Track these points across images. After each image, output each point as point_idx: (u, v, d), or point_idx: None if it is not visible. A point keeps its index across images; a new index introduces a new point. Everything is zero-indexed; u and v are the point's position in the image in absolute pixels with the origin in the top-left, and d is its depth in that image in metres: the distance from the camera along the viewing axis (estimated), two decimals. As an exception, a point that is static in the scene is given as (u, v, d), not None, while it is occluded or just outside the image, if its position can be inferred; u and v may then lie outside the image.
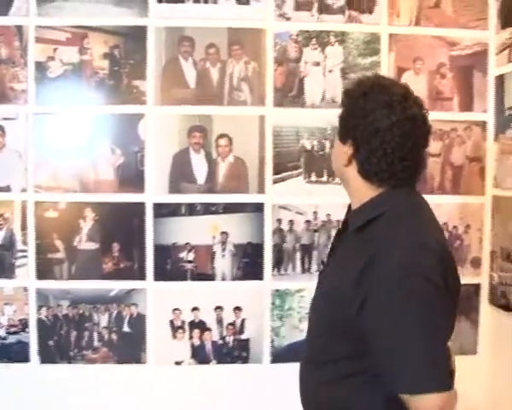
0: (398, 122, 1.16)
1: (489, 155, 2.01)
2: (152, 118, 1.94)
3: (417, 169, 1.20)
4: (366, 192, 1.22)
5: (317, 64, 2.00)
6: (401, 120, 1.16)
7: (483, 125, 2.02)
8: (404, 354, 1.10)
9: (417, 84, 1.96)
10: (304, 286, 2.02)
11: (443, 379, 1.11)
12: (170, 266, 1.98)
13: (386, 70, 1.99)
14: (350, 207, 1.32)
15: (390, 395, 1.14)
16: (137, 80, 1.94)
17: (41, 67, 1.94)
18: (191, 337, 2.00)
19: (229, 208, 1.99)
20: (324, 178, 2.03)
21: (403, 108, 1.16)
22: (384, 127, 1.15)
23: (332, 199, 2.01)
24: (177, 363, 2.00)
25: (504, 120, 1.96)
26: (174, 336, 1.99)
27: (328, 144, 2.01)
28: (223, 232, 1.99)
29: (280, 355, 2.03)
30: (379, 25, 2.00)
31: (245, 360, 2.02)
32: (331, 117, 1.95)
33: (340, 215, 1.97)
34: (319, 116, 2.01)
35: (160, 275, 1.97)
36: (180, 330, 1.99)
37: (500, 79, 1.98)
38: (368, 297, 1.11)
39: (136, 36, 1.94)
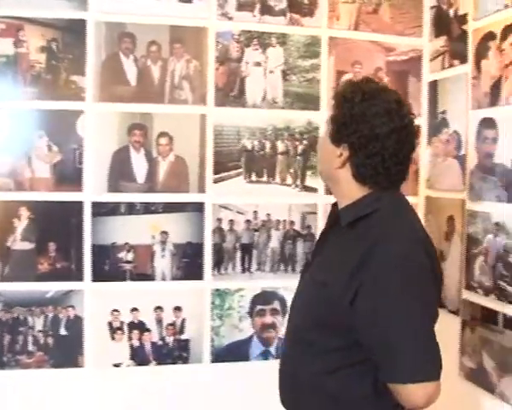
0: (396, 129, 1.50)
1: (422, 157, 2.66)
2: (91, 115, 2.43)
3: (407, 172, 1.59)
4: (357, 192, 1.56)
5: (259, 64, 2.58)
6: (399, 127, 1.50)
7: (417, 128, 2.64)
8: (401, 343, 1.41)
9: (356, 87, 2.56)
10: (244, 285, 2.60)
11: (437, 368, 1.44)
12: (108, 267, 2.46)
13: (326, 73, 2.62)
14: (334, 205, 1.69)
15: (380, 384, 1.49)
16: (76, 76, 2.42)
17: (-27, 60, 2.37)
18: (130, 339, 2.50)
19: (170, 208, 2.51)
20: (264, 179, 2.61)
21: (400, 116, 1.51)
22: (383, 134, 1.49)
23: (272, 199, 2.62)
24: (116, 365, 2.49)
25: (437, 123, 2.63)
26: (113, 338, 2.48)
27: (268, 145, 2.61)
28: (163, 232, 2.51)
29: (220, 355, 2.59)
30: (319, 28, 2.61)
31: (185, 361, 2.55)
32: (272, 117, 2.57)
33: (279, 215, 2.57)
34: (260, 116, 2.59)
35: (99, 276, 2.45)
36: (119, 332, 2.48)
37: (433, 85, 2.66)
38: (361, 288, 1.43)
39: (74, 30, 2.42)
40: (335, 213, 1.68)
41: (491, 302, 2.24)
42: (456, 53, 2.51)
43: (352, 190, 1.58)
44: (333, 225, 1.69)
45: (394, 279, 1.42)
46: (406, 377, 1.42)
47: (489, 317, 2.25)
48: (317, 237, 1.88)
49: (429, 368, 1.44)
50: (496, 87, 2.25)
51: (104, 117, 2.44)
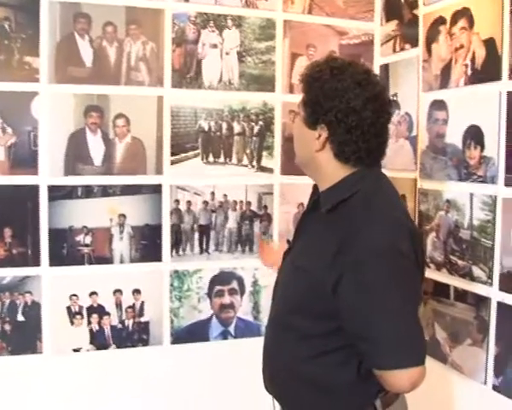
0: (371, 99, 1.50)
1: (375, 138, 2.72)
2: (46, 96, 2.41)
3: (386, 145, 1.61)
4: (338, 173, 1.56)
5: (215, 46, 2.62)
6: (372, 96, 1.51)
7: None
8: (385, 329, 1.42)
9: (310, 70, 2.61)
10: (202, 266, 2.66)
11: (421, 354, 1.46)
12: (66, 251, 2.47)
13: (281, 55, 2.70)
14: (315, 188, 1.70)
15: (363, 370, 1.52)
16: (30, 56, 2.39)
17: None
18: (89, 323, 2.52)
19: (127, 190, 2.53)
20: (221, 159, 2.67)
21: (372, 85, 1.52)
22: (359, 105, 1.49)
23: (229, 180, 2.68)
24: (76, 350, 2.51)
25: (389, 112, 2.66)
26: (72, 323, 2.50)
27: (224, 126, 2.66)
28: (120, 215, 2.53)
29: (180, 336, 2.64)
30: (274, 11, 2.67)
31: (145, 343, 2.59)
32: (228, 99, 2.60)
33: (236, 196, 2.64)
34: (216, 98, 2.64)
35: (56, 260, 2.45)
36: (78, 317, 2.50)
37: (385, 68, 2.77)
38: (344, 274, 1.43)
39: (28, 9, 2.39)
40: (316, 196, 1.69)
41: (442, 277, 2.39)
42: (408, 37, 2.63)
43: (334, 172, 1.58)
44: (314, 208, 1.70)
45: (377, 266, 1.43)
46: (392, 364, 1.44)
47: (441, 291, 2.39)
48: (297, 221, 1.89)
49: (414, 353, 1.46)
50: (446, 70, 2.38)
51: (59, 99, 2.42)
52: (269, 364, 1.74)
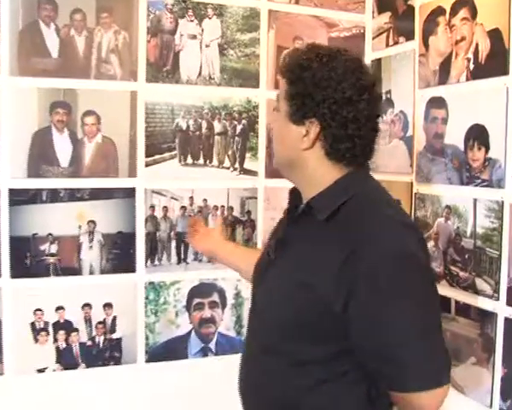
0: (366, 89, 1.36)
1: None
2: (7, 90, 2.18)
3: (375, 143, 1.43)
4: (328, 175, 1.40)
5: (194, 37, 2.42)
6: (367, 85, 1.37)
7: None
8: (412, 347, 1.27)
9: (297, 64, 2.41)
10: (180, 277, 2.46)
11: (448, 371, 1.34)
12: (29, 261, 2.25)
13: (266, 48, 2.49)
14: (293, 192, 1.53)
15: (373, 391, 1.37)
16: (-12, 46, 2.18)
17: None
18: (56, 340, 2.30)
19: (97, 194, 2.32)
20: (201, 161, 2.47)
21: (366, 74, 1.39)
22: (355, 95, 1.34)
23: (209, 183, 2.47)
24: (40, 371, 2.29)
25: (381, 104, 2.47)
26: (36, 341, 2.27)
27: (204, 124, 2.45)
28: (90, 221, 2.32)
29: (156, 354, 2.44)
30: (259, 0, 2.44)
31: (117, 362, 2.38)
32: (208, 95, 2.39)
33: (217, 200, 2.43)
34: (195, 94, 2.44)
35: (18, 271, 2.23)
36: (43, 333, 2.27)
37: (377, 63, 2.57)
38: (356, 287, 1.26)
39: (-14, -6, 2.15)
40: (296, 202, 1.52)
41: (442, 289, 2.18)
42: (402, 30, 2.44)
43: (323, 174, 1.40)
44: (297, 216, 1.50)
45: (397, 274, 1.27)
46: (421, 385, 1.29)
47: (441, 304, 2.16)
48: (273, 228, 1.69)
49: (442, 372, 1.33)
50: (445, 65, 2.19)
51: (22, 93, 2.19)
52: (254, 398, 1.53)
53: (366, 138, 1.38)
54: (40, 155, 2.23)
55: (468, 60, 2.08)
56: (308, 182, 1.44)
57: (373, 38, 2.63)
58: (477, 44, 2.04)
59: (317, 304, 1.31)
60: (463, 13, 2.09)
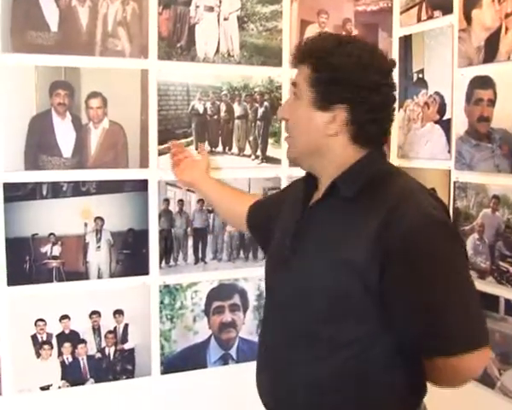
0: (388, 73, 1.40)
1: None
2: (0, 69, 1.88)
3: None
4: (351, 158, 1.41)
5: (211, 9, 2.15)
6: (389, 70, 1.40)
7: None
8: (454, 307, 1.28)
9: (323, 40, 2.16)
10: (198, 279, 2.22)
11: (487, 331, 1.34)
12: (29, 266, 1.99)
13: (289, 22, 2.22)
14: (308, 177, 1.50)
15: (409, 373, 1.37)
16: (-23, 18, 1.87)
17: None
18: (61, 354, 2.04)
19: (105, 188, 2.06)
20: (219, 148, 2.22)
21: (385, 59, 1.41)
22: (381, 79, 1.37)
23: (229, 173, 2.23)
24: (44, 388, 2.03)
25: (411, 85, 2.31)
26: (38, 355, 2.01)
27: (223, 107, 2.19)
28: (97, 218, 2.06)
29: (172, 364, 2.20)
30: (281, -32, 2.21)
31: (130, 375, 2.13)
32: (227, 74, 2.14)
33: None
34: (213, 73, 2.18)
35: (16, 278, 1.97)
36: (46, 347, 2.02)
37: (406, 41, 2.33)
38: (389, 263, 1.26)
39: (-27, -43, 1.84)
40: (309, 190, 1.51)
41: (488, 286, 1.99)
42: (437, 2, 2.20)
43: (346, 157, 1.41)
44: (318, 200, 1.46)
45: (425, 248, 1.27)
46: (464, 347, 1.29)
47: (486, 303, 1.97)
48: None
49: (483, 333, 1.33)
50: (492, 41, 1.98)
51: (17, 72, 1.90)
52: (285, 388, 1.45)
53: (390, 122, 1.42)
54: (39, 144, 1.96)
55: (522, 35, 1.90)
56: (331, 167, 1.43)
57: (401, 13, 2.36)
58: (533, 17, 1.86)
59: (356, 280, 1.31)
60: (516, -17, 1.90)
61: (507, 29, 1.92)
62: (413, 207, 1.29)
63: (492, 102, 1.99)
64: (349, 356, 1.36)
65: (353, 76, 1.34)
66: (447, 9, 2.14)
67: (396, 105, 1.48)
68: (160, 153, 2.10)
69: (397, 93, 1.47)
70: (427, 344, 1.34)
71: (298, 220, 1.50)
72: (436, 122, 2.21)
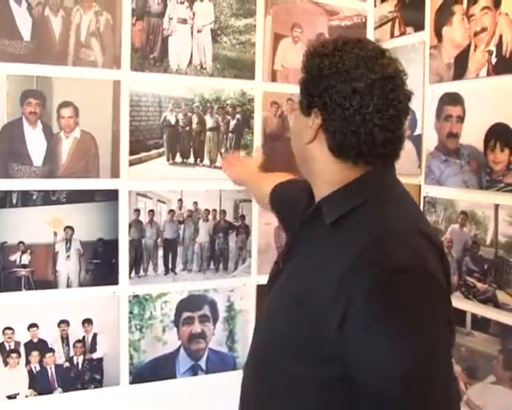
0: (379, 81, 1.18)
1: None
2: (-29, 77, 1.89)
3: (399, 144, 1.23)
4: (338, 174, 1.24)
5: (184, 22, 2.16)
6: (381, 78, 1.18)
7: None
8: (412, 380, 1.07)
9: (296, 55, 2.17)
10: (167, 289, 2.21)
11: (452, 404, 1.14)
12: None
13: (262, 35, 2.23)
14: (310, 194, 1.34)
15: None
16: (-51, 26, 1.87)
17: None
18: (28, 363, 2.03)
19: (75, 197, 2.06)
20: (191, 160, 2.22)
21: (382, 65, 1.20)
22: (363, 87, 1.17)
23: (200, 185, 2.21)
24: (11, 397, 2.01)
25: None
26: (5, 364, 2.01)
27: (195, 119, 2.20)
28: (67, 227, 2.06)
29: (141, 374, 2.19)
30: (254, -18, 2.22)
31: (99, 384, 2.12)
32: (199, 86, 2.13)
33: (208, 204, 2.19)
34: (185, 84, 2.18)
35: None
36: (13, 355, 2.01)
37: (380, 53, 2.28)
38: (353, 305, 1.09)
39: None
40: (313, 206, 1.31)
41: (456, 301, 1.95)
42: (409, 19, 2.23)
43: (332, 172, 1.23)
44: (306, 219, 1.32)
45: (399, 289, 1.06)
46: None
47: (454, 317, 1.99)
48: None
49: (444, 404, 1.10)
50: (462, 58, 2.00)
51: None
52: None
53: (374, 136, 1.18)
54: (9, 152, 1.95)
55: (490, 53, 1.90)
56: (318, 180, 1.29)
57: (375, 28, 2.40)
58: (500, 36, 1.86)
59: (315, 323, 1.15)
60: (485, 1, 1.91)
61: (476, 47, 1.94)
62: (382, 255, 1.09)
63: (461, 119, 2.01)
64: (309, 399, 1.21)
65: (328, 79, 1.20)
66: (419, 26, 2.17)
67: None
68: (132, 163, 2.09)
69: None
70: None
71: (291, 239, 1.41)
72: (407, 138, 2.22)
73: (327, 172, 1.26)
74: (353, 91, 1.17)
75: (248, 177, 2.02)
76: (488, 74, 1.90)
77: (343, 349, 1.11)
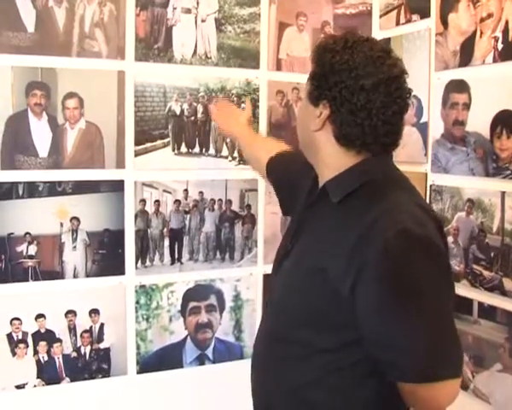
0: (385, 80, 1.29)
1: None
2: (-24, 69, 1.91)
3: (399, 135, 1.35)
4: (342, 160, 1.35)
5: (189, 11, 2.16)
6: (387, 78, 1.29)
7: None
8: (419, 333, 1.20)
9: (301, 43, 2.17)
10: (174, 279, 2.23)
11: (460, 363, 1.28)
12: (5, 265, 2.00)
13: (267, 24, 2.23)
14: (314, 178, 1.46)
15: (384, 389, 1.29)
16: (-47, 18, 1.89)
17: None
18: (36, 352, 2.05)
19: (81, 188, 2.07)
20: (196, 150, 2.23)
21: (389, 66, 1.30)
22: (370, 85, 1.28)
23: (205, 174, 2.22)
24: (19, 387, 2.03)
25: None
26: (14, 354, 2.02)
27: (200, 109, 2.20)
28: (73, 218, 2.07)
29: (148, 364, 2.21)
30: (259, -30, 2.23)
31: (106, 374, 2.14)
32: (204, 76, 2.13)
33: (214, 193, 2.19)
34: (190, 74, 2.19)
35: None
36: (21, 345, 2.03)
37: (385, 43, 2.30)
38: (363, 269, 1.21)
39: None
40: (314, 188, 1.47)
41: (462, 289, 1.99)
42: (415, 6, 2.22)
43: (336, 158, 1.36)
44: (313, 201, 1.45)
45: (405, 255, 1.20)
46: (429, 375, 1.21)
47: (460, 306, 1.99)
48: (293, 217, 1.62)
49: (453, 362, 1.25)
50: (468, 45, 1.99)
51: None
52: (264, 391, 1.46)
53: (378, 129, 1.30)
54: (15, 144, 1.97)
55: (496, 39, 1.88)
56: (323, 165, 1.41)
57: (381, 16, 2.37)
58: (507, 22, 1.84)
59: (328, 289, 1.28)
60: (491, -14, 1.90)
61: (482, 33, 1.93)
62: (393, 222, 1.22)
63: (467, 106, 2.00)
64: (321, 365, 1.33)
65: (338, 75, 1.30)
66: (425, 13, 2.15)
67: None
68: (137, 154, 2.10)
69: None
70: (386, 366, 1.28)
71: (298, 220, 1.51)
72: (413, 125, 2.21)
73: (331, 158, 1.37)
74: (361, 88, 1.29)
75: (239, 133, 2.03)
76: (494, 61, 1.88)
77: (354, 311, 1.23)
